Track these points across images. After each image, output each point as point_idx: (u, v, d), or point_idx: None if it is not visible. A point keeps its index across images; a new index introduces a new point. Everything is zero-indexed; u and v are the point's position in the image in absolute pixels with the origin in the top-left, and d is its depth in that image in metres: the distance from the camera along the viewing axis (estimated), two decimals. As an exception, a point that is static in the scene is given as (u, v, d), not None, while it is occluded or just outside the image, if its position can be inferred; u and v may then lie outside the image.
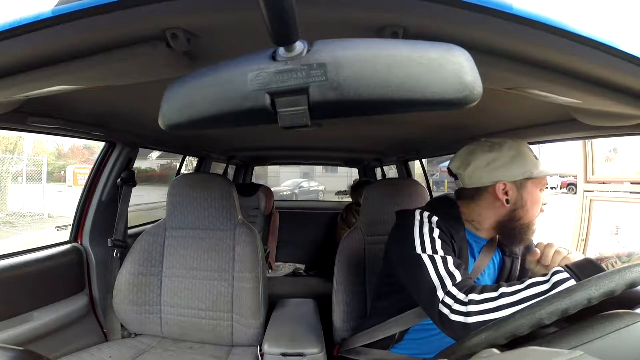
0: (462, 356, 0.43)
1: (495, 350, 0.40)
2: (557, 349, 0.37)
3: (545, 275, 0.65)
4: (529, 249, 0.94)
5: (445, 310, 0.69)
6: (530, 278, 0.67)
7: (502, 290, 0.66)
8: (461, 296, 0.69)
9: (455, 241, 0.83)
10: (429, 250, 0.77)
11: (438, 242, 0.79)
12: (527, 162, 0.81)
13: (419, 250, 0.78)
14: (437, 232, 0.80)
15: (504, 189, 0.81)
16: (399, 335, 0.90)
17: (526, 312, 0.42)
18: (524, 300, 0.62)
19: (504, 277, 0.91)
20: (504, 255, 0.92)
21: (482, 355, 0.39)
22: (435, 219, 0.83)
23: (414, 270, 0.77)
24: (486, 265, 0.89)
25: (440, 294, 0.71)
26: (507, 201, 0.82)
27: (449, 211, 0.87)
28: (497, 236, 0.89)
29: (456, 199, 0.91)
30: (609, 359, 0.36)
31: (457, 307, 0.67)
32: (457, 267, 0.75)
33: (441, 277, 0.73)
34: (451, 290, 0.70)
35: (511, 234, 0.84)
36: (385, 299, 0.95)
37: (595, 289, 0.41)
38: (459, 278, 0.73)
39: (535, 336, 0.43)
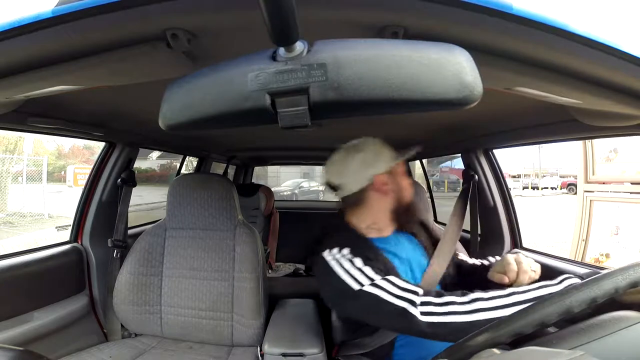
0: (462, 356, 0.43)
1: (495, 350, 0.40)
2: (557, 349, 0.37)
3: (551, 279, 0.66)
4: (422, 225, 1.00)
5: (431, 319, 0.66)
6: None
7: (513, 289, 0.66)
8: (437, 300, 0.68)
9: (373, 258, 0.79)
10: (366, 281, 0.73)
11: (367, 269, 0.75)
12: (388, 151, 0.88)
13: (357, 286, 0.73)
14: (358, 261, 0.76)
15: (382, 181, 0.86)
16: (388, 346, 0.86)
17: (555, 299, 0.42)
18: (533, 299, 0.62)
19: (430, 247, 0.94)
20: (412, 235, 0.95)
21: (482, 355, 0.40)
22: (346, 250, 0.79)
23: (369, 306, 0.72)
24: (410, 253, 0.90)
25: (414, 310, 0.67)
26: (391, 189, 0.87)
27: (350, 235, 0.87)
28: (397, 225, 0.93)
29: (344, 215, 0.93)
30: (609, 359, 0.36)
31: (433, 309, 0.67)
32: (402, 278, 0.74)
33: (400, 296, 0.70)
34: (423, 300, 0.68)
35: (406, 215, 0.90)
36: (360, 329, 0.91)
37: (622, 278, 0.41)
38: (414, 287, 0.71)
39: (535, 336, 0.42)
